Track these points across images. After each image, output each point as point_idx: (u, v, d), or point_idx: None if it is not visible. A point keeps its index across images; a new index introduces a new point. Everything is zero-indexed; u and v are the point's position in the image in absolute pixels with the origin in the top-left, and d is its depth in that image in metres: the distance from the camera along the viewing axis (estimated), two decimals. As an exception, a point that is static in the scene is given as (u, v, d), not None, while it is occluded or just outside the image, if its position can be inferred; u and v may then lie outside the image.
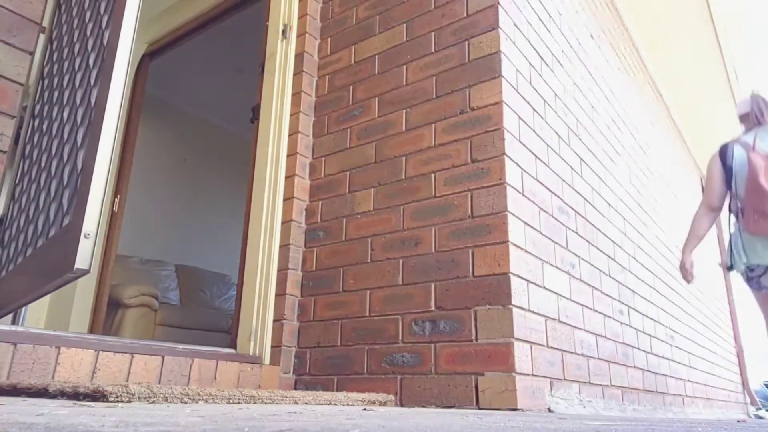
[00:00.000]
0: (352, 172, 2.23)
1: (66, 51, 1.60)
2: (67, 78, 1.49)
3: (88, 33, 1.40)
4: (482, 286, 1.74)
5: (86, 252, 1.05)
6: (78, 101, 1.32)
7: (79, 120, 1.27)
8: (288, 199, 2.30)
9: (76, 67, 1.43)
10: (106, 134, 1.10)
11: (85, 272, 1.06)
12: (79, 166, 1.17)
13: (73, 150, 1.24)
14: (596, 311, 2.31)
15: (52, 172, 1.36)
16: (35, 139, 1.63)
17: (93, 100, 1.20)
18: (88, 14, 1.46)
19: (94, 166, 1.08)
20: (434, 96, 2.07)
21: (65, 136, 1.34)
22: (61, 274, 1.07)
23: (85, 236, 1.05)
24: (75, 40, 1.53)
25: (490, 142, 1.87)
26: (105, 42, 1.23)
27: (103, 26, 1.28)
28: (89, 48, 1.35)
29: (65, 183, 1.24)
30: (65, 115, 1.40)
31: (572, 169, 2.38)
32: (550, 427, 0.88)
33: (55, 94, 1.57)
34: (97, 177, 1.08)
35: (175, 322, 4.04)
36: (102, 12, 1.33)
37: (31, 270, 1.28)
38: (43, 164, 1.47)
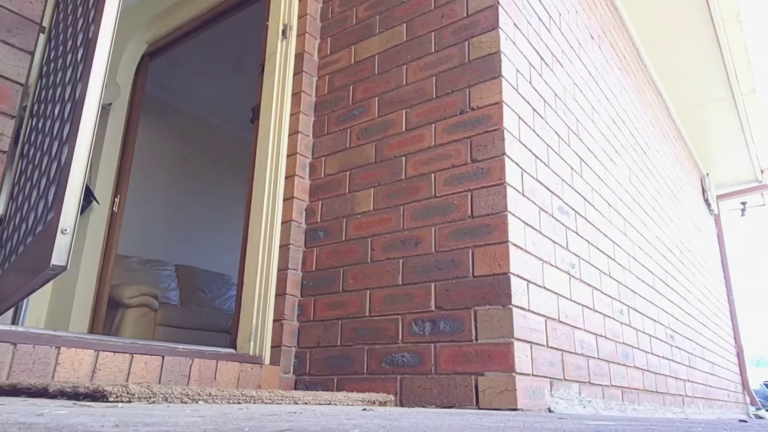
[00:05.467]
0: (352, 172, 2.23)
1: (61, 49, 1.60)
2: (60, 75, 1.49)
3: (79, 28, 1.40)
4: (482, 286, 1.74)
5: (63, 248, 1.02)
6: (66, 97, 1.32)
7: (65, 115, 1.27)
8: (288, 199, 2.30)
9: (68, 63, 1.43)
10: (85, 127, 1.09)
11: (63, 269, 1.03)
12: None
13: (60, 146, 1.24)
14: (596, 311, 2.31)
15: (43, 168, 1.36)
16: (32, 138, 1.63)
17: (77, 94, 1.20)
18: (79, 10, 1.46)
19: (72, 160, 1.07)
20: (434, 96, 2.07)
21: (55, 132, 1.34)
22: (40, 271, 1.06)
23: (62, 232, 1.03)
24: (68, 37, 1.53)
25: (490, 142, 1.87)
26: (90, 35, 1.23)
27: (90, 21, 1.28)
28: (78, 43, 1.35)
29: (51, 179, 1.23)
30: (56, 111, 1.40)
31: (572, 169, 2.38)
32: (550, 427, 0.88)
33: (50, 91, 1.57)
34: (74, 171, 1.06)
35: (175, 322, 4.04)
36: (90, 7, 1.33)
37: (20, 268, 1.27)
38: (36, 162, 1.47)
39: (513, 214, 1.80)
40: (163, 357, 1.69)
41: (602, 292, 2.43)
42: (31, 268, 1.14)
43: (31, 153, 1.59)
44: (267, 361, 2.07)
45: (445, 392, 1.71)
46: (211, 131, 6.02)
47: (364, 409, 1.34)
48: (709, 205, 5.72)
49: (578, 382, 2.00)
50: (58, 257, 1.02)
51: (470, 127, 1.94)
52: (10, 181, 1.69)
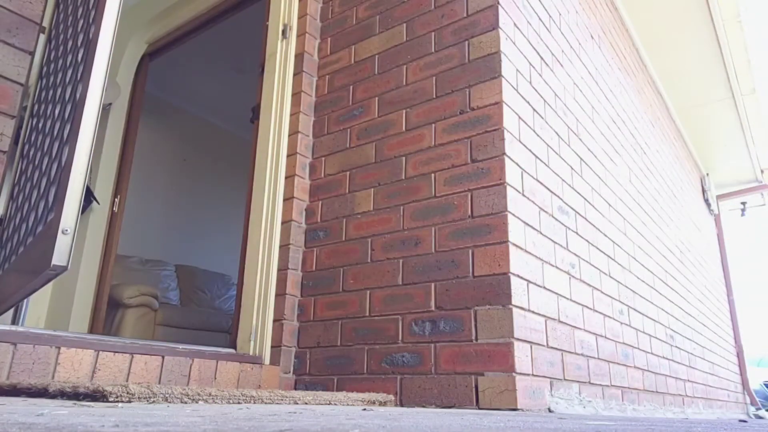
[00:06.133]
0: (352, 172, 2.23)
1: (61, 49, 1.60)
2: (60, 75, 1.50)
3: (79, 29, 1.40)
4: (482, 286, 1.74)
5: (64, 248, 1.03)
6: (67, 97, 1.32)
7: (66, 116, 1.27)
8: (288, 199, 2.30)
9: (68, 64, 1.43)
10: (86, 128, 1.09)
11: (63, 269, 1.03)
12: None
13: (60, 146, 1.24)
14: (596, 311, 2.31)
15: (43, 169, 1.36)
16: (33, 138, 1.63)
17: (78, 95, 1.20)
18: (80, 11, 1.47)
19: (73, 161, 1.07)
20: (434, 96, 2.07)
21: (55, 133, 1.34)
22: (41, 271, 1.06)
23: (63, 232, 1.03)
24: (69, 37, 1.53)
25: (490, 142, 1.87)
26: (91, 36, 1.23)
27: (91, 21, 1.28)
28: (79, 44, 1.36)
29: (52, 179, 1.23)
30: (57, 112, 1.40)
31: (572, 169, 2.38)
32: (550, 427, 0.88)
33: (51, 92, 1.57)
34: (75, 172, 1.06)
35: (175, 322, 4.04)
36: (90, 7, 1.33)
37: (21, 268, 1.28)
38: (36, 162, 1.47)
39: (513, 214, 1.80)
40: (163, 357, 1.69)
41: (602, 292, 2.43)
42: (32, 268, 1.15)
43: (31, 153, 1.59)
44: (267, 361, 2.07)
45: (445, 392, 1.72)
46: (211, 131, 6.02)
47: (364, 409, 1.34)
48: (709, 205, 5.72)
49: (578, 382, 2.00)
50: (59, 257, 1.02)
51: (470, 127, 1.94)
52: (10, 181, 1.69)
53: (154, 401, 1.16)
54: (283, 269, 2.20)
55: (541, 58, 2.29)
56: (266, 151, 2.34)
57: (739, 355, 5.60)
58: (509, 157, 1.86)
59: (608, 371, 2.29)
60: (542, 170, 2.09)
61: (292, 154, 2.36)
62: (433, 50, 2.14)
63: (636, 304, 2.84)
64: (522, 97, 2.04)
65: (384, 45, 2.31)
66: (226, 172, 5.94)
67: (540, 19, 2.36)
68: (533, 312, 1.79)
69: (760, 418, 5.16)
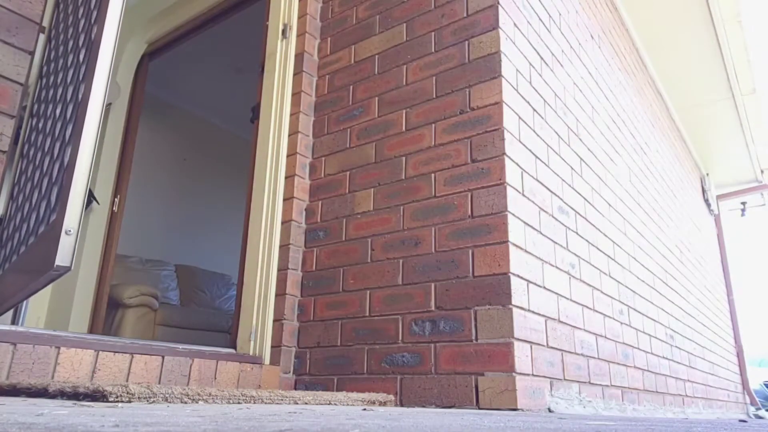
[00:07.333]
0: (352, 172, 2.23)
1: (62, 49, 1.60)
2: (61, 76, 1.50)
3: (80, 29, 1.40)
4: (482, 286, 1.74)
5: (67, 249, 1.03)
6: (69, 97, 1.32)
7: (68, 116, 1.27)
8: (288, 199, 2.30)
9: (69, 64, 1.43)
10: (88, 129, 1.09)
11: (67, 269, 1.04)
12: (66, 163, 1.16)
13: (62, 146, 1.24)
14: (596, 311, 2.31)
15: (44, 169, 1.36)
16: (32, 138, 1.63)
17: (80, 96, 1.20)
18: (81, 11, 1.47)
19: (76, 161, 1.07)
20: (434, 96, 2.07)
21: (56, 133, 1.34)
22: (44, 271, 1.06)
23: (66, 233, 1.03)
24: (69, 37, 1.53)
25: (490, 142, 1.87)
26: (93, 37, 1.23)
27: (93, 21, 1.28)
28: (80, 44, 1.36)
29: (54, 180, 1.23)
30: (58, 112, 1.40)
31: (572, 169, 2.38)
32: (550, 427, 0.88)
33: (51, 92, 1.57)
34: (78, 173, 1.07)
35: (175, 322, 4.04)
36: (92, 8, 1.33)
37: (22, 268, 1.28)
38: (37, 162, 1.47)
39: (513, 214, 1.80)
40: (163, 357, 1.69)
41: (602, 292, 2.43)
42: (34, 268, 1.15)
43: (31, 153, 1.59)
44: (267, 361, 2.07)
45: (445, 392, 1.72)
46: (211, 131, 6.02)
47: (364, 409, 1.34)
48: (709, 205, 5.72)
49: (578, 382, 2.00)
50: (62, 258, 1.02)
51: (470, 127, 1.94)
52: (10, 181, 1.69)
53: (154, 401, 1.16)
54: (283, 269, 2.20)
55: (541, 58, 2.29)
56: (266, 151, 2.34)
57: (739, 355, 5.60)
58: (509, 157, 1.86)
59: (608, 371, 2.29)
60: (542, 170, 2.09)
61: (292, 154, 2.36)
62: (433, 50, 2.13)
63: (636, 304, 2.84)
64: (522, 97, 2.04)
65: (384, 45, 2.31)
66: (226, 172, 5.94)
67: (540, 19, 2.36)
68: (533, 312, 1.79)
69: (760, 418, 5.16)
